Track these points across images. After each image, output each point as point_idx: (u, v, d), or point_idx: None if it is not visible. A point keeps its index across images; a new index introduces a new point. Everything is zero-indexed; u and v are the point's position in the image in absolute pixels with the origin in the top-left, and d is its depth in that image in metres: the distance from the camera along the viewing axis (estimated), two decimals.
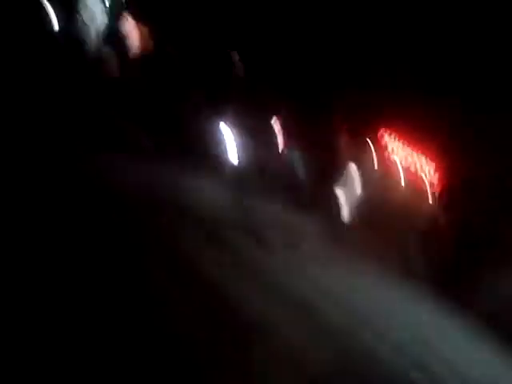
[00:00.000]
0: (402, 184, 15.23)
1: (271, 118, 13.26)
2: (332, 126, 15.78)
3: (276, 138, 13.63)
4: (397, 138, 15.21)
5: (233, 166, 8.76)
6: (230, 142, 8.85)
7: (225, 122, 8.87)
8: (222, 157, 8.46)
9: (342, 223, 13.59)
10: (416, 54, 14.48)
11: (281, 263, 5.22)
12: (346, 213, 15.04)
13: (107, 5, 13.48)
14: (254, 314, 3.66)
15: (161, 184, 5.48)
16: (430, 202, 14.50)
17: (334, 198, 15.34)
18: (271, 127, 11.77)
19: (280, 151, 12.82)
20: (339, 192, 15.83)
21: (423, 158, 14.93)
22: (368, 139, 15.70)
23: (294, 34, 15.53)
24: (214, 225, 5.10)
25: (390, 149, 15.39)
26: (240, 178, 8.49)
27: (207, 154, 8.01)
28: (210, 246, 4.33)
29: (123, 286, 3.27)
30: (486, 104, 13.13)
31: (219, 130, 8.71)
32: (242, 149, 9.01)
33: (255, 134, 9.69)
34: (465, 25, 13.42)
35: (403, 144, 15.11)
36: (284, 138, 14.65)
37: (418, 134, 14.39)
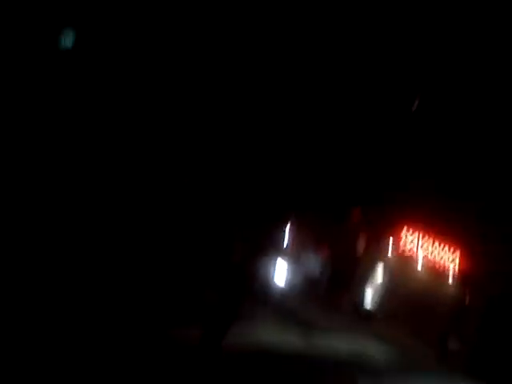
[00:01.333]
0: (424, 274, 15.57)
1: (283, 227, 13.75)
2: (350, 228, 16.41)
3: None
4: (416, 233, 15.83)
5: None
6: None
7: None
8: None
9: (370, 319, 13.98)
10: (430, 159, 15.49)
11: None
12: (372, 308, 15.30)
13: None
14: None
15: None
16: (453, 288, 14.73)
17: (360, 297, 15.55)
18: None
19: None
20: (367, 290, 16.11)
21: (445, 248, 15.43)
22: (387, 236, 16.26)
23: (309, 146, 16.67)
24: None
25: (409, 243, 15.95)
26: None
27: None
28: None
29: None
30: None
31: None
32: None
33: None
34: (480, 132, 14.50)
35: (423, 237, 15.70)
36: (297, 245, 15.16)
37: (437, 226, 15.01)
